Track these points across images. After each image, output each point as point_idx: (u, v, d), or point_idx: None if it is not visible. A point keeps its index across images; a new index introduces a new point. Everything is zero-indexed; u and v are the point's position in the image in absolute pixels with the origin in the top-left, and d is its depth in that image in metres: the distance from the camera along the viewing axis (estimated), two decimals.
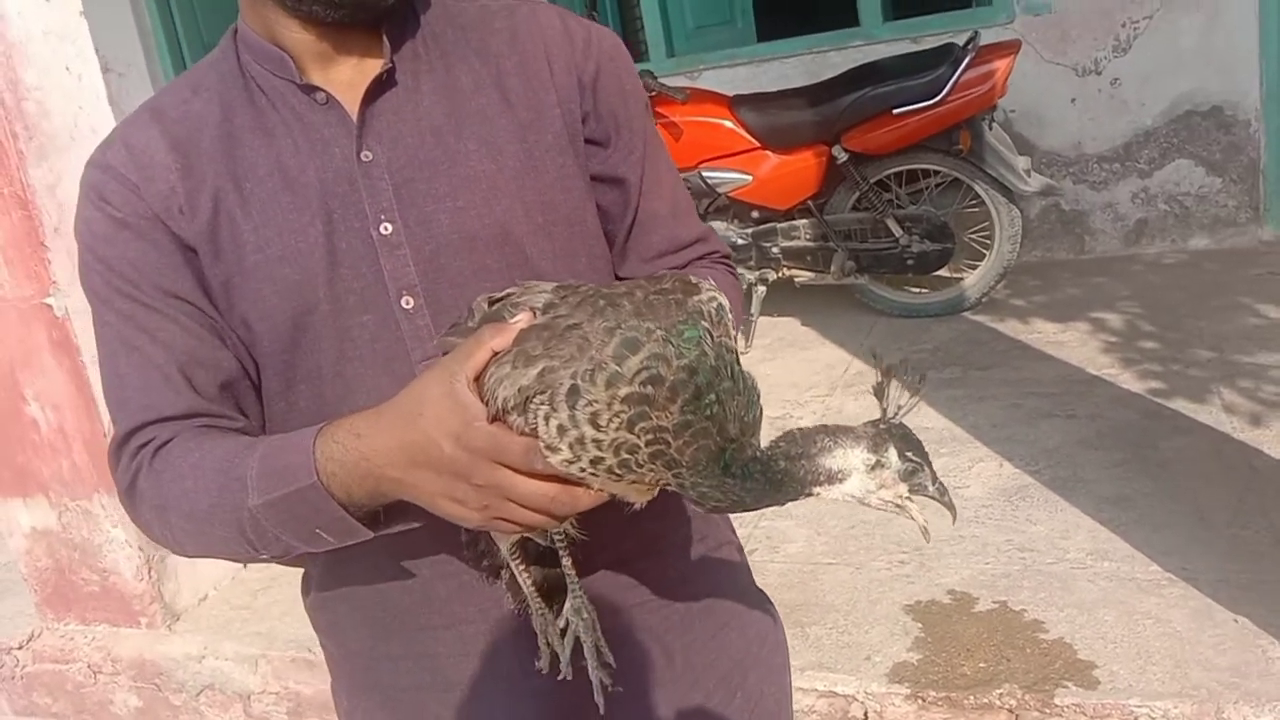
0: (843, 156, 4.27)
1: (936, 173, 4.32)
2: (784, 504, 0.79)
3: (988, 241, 4.35)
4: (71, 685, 2.95)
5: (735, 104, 4.44)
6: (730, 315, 0.81)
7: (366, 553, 0.99)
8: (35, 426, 2.75)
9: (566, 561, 0.97)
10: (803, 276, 4.54)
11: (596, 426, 0.72)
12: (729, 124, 4.37)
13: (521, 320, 0.80)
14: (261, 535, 0.90)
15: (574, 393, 0.73)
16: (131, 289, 0.98)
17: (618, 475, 0.75)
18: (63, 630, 2.99)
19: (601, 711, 0.96)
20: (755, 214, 4.48)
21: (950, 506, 0.81)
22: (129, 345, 0.98)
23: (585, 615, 0.97)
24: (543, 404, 0.74)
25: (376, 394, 0.97)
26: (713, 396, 0.74)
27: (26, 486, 2.84)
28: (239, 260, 0.98)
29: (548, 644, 0.99)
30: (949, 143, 4.17)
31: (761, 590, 1.25)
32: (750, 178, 4.36)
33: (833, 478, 0.78)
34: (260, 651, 2.70)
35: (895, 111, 4.10)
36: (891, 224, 4.31)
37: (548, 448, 0.75)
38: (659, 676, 1.12)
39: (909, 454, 0.77)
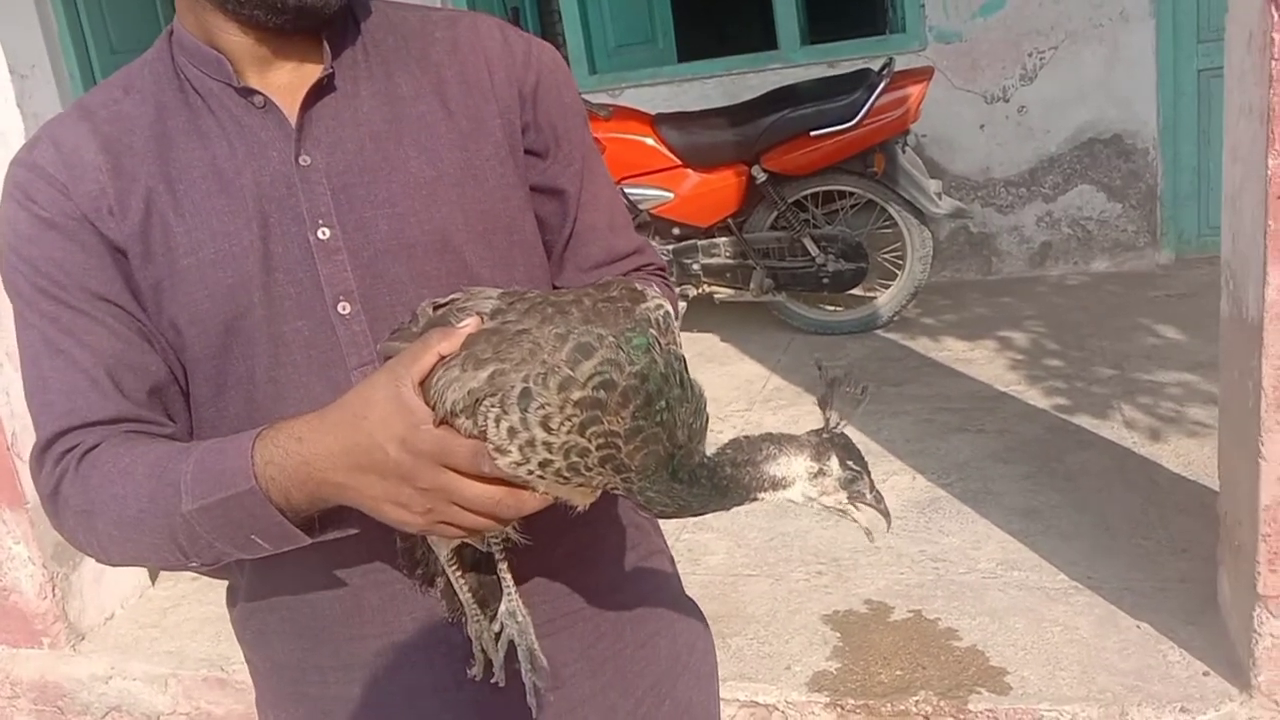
0: (762, 176, 4.35)
1: (851, 194, 4.43)
2: (729, 509, 0.81)
3: (900, 262, 4.47)
4: None
5: (658, 122, 4.49)
6: (676, 323, 0.83)
7: (296, 561, 0.98)
8: None
9: (503, 566, 0.97)
10: (722, 293, 4.60)
11: (548, 429, 0.73)
12: (651, 141, 4.42)
13: (469, 325, 0.80)
14: (194, 542, 0.89)
15: (526, 395, 0.73)
16: (57, 290, 0.95)
17: (565, 478, 0.76)
18: None
19: (535, 716, 0.96)
20: (676, 231, 4.53)
21: (885, 514, 0.83)
22: (54, 348, 0.96)
23: (519, 619, 0.97)
24: (493, 406, 0.74)
25: (310, 400, 0.96)
26: (663, 403, 0.75)
27: None
28: (170, 263, 0.96)
29: (482, 650, 0.99)
30: (864, 165, 4.28)
31: (690, 599, 1.26)
32: (672, 195, 4.42)
33: (776, 484, 0.80)
34: (170, 671, 2.63)
35: (813, 134, 4.20)
36: (808, 243, 4.40)
37: (496, 450, 0.75)
38: (589, 685, 1.12)
39: (849, 463, 0.80)
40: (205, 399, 1.01)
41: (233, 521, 0.86)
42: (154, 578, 3.08)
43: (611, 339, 0.75)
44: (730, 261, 4.53)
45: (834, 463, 0.80)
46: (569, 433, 0.73)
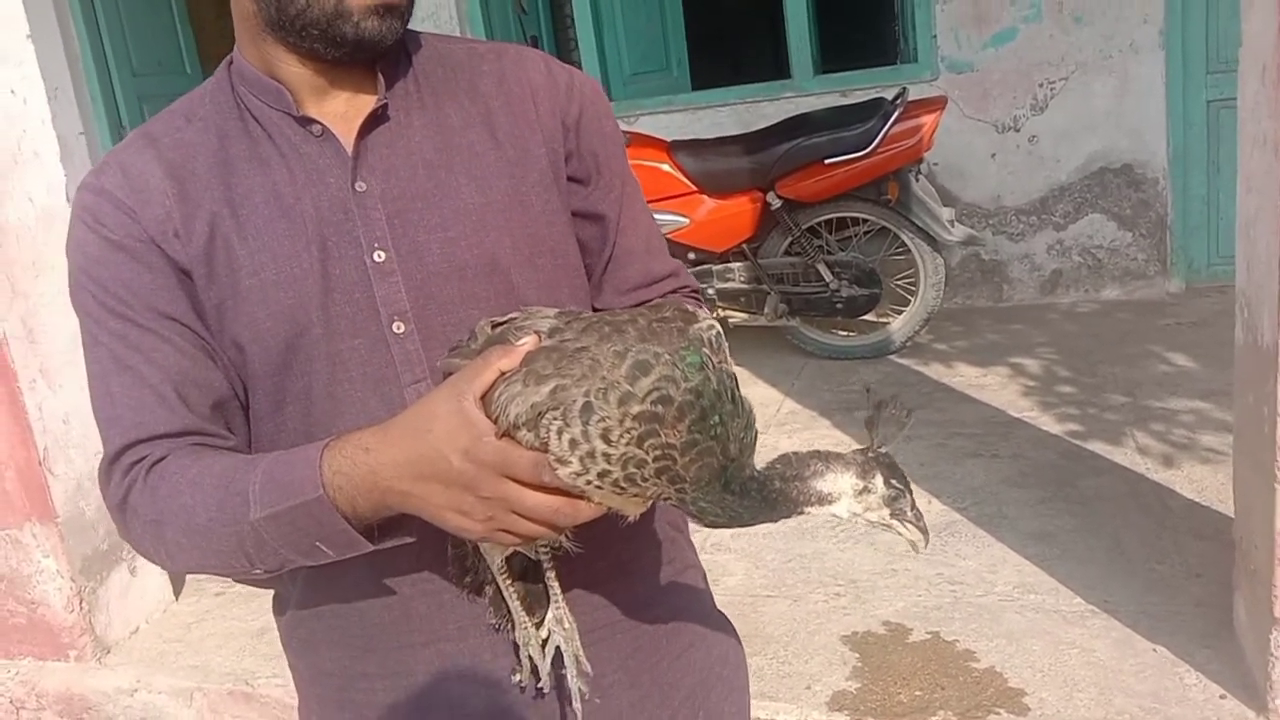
0: (776, 203, 4.40)
1: (865, 221, 4.48)
2: (776, 520, 0.84)
3: (913, 288, 4.51)
4: None
5: (674, 149, 4.55)
6: (726, 343, 0.87)
7: (347, 570, 1.01)
8: None
9: (551, 575, 1.01)
10: (736, 317, 4.65)
11: (608, 441, 0.78)
12: (667, 168, 4.48)
13: (528, 343, 0.85)
14: (261, 549, 0.93)
15: (588, 409, 0.78)
16: (125, 309, 1.00)
17: (622, 489, 0.80)
18: None
19: (580, 719, 1.00)
20: (691, 256, 4.58)
21: (924, 532, 0.87)
22: (121, 364, 1.00)
23: (566, 625, 1.01)
24: (555, 419, 0.78)
25: (365, 415, 1.01)
26: (717, 418, 0.79)
27: None
28: (233, 284, 1.00)
29: (528, 657, 1.03)
30: (878, 192, 4.33)
31: (722, 613, 1.29)
32: (687, 220, 4.47)
33: (823, 499, 0.83)
34: (195, 684, 2.66)
35: (827, 161, 4.25)
36: (822, 269, 4.44)
37: (557, 460, 0.79)
38: (628, 695, 1.15)
39: (893, 481, 0.84)
40: (264, 413, 1.05)
41: (300, 529, 0.90)
42: (178, 592, 3.11)
43: (667, 357, 0.79)
44: (744, 286, 4.58)
45: (878, 481, 0.83)
46: (628, 445, 0.78)
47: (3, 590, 2.80)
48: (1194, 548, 2.68)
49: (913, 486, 0.86)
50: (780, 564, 2.85)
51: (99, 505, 2.79)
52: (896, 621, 2.51)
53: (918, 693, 2.23)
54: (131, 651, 2.86)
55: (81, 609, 2.76)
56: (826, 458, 0.84)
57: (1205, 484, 3.02)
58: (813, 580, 2.75)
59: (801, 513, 0.84)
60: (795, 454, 0.85)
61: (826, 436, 3.61)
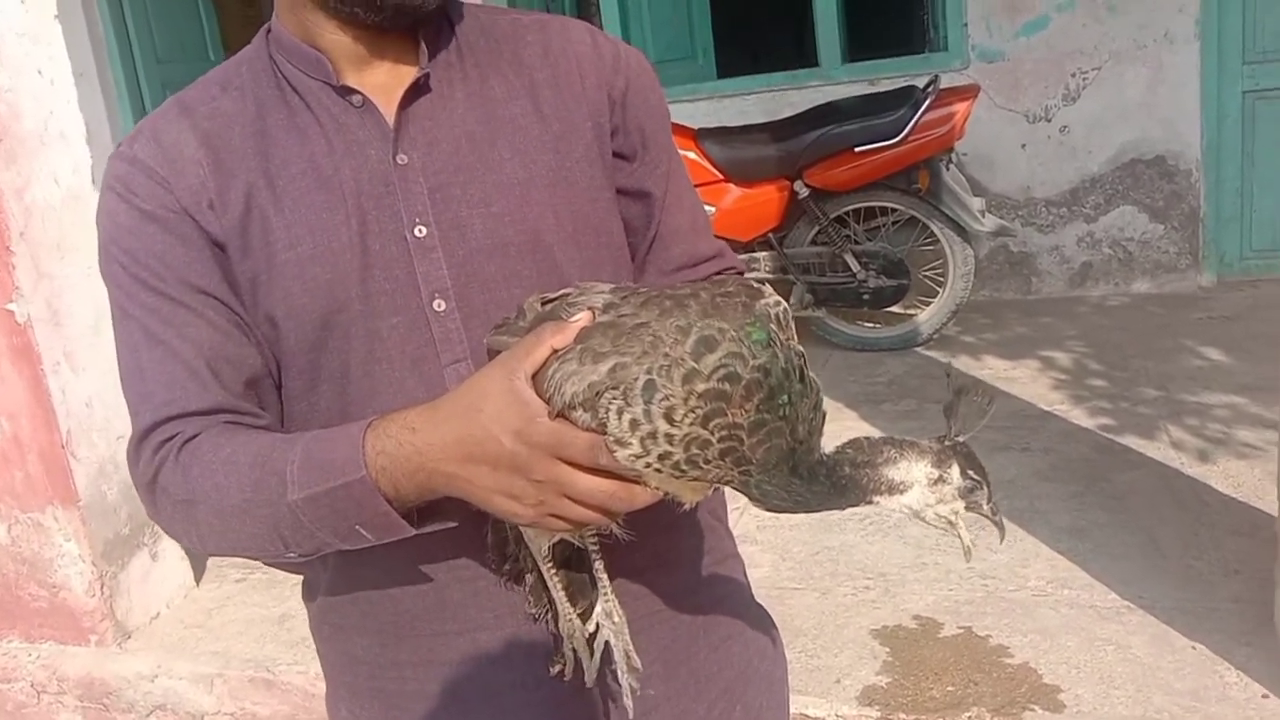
0: (804, 192, 4.35)
1: (894, 210, 4.42)
2: (844, 509, 0.80)
3: (941, 279, 4.46)
4: (12, 705, 2.86)
5: (700, 136, 4.50)
6: (792, 320, 0.83)
7: (381, 556, 0.98)
8: None
9: (599, 565, 0.97)
10: None
11: (671, 421, 0.74)
12: (693, 155, 4.43)
13: (582, 319, 0.81)
14: (297, 531, 0.89)
15: (650, 387, 0.74)
16: (157, 282, 0.97)
17: (682, 471, 0.76)
18: (4, 648, 2.90)
19: (630, 715, 0.96)
20: None
21: (1000, 526, 0.83)
22: (153, 338, 0.97)
23: (615, 619, 0.97)
24: (615, 399, 0.74)
25: (403, 395, 0.97)
26: (785, 397, 0.75)
27: None
28: (269, 257, 0.97)
29: (572, 650, 0.99)
30: (908, 182, 4.28)
31: (761, 605, 1.26)
32: (713, 209, 4.42)
33: (894, 488, 0.79)
34: (216, 671, 2.64)
35: (857, 150, 4.20)
36: (849, 259, 4.39)
37: (616, 442, 0.75)
38: (664, 688, 1.12)
39: (971, 472, 0.79)
40: (298, 392, 1.02)
41: (339, 511, 0.87)
42: (199, 578, 3.10)
43: (733, 333, 0.75)
44: (770, 276, 4.53)
45: (955, 471, 0.79)
46: (692, 424, 0.74)
47: (24, 574, 2.79)
48: (1231, 544, 2.62)
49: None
50: (808, 556, 2.81)
51: (121, 489, 2.77)
52: (927, 616, 2.47)
53: (950, 688, 2.19)
54: (152, 637, 2.85)
55: (103, 593, 2.75)
56: (901, 444, 0.80)
57: (1242, 479, 2.96)
58: (841, 573, 2.71)
59: (870, 502, 0.80)
60: (867, 439, 0.80)
61: (852, 429, 3.56)
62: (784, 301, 0.82)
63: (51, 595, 2.78)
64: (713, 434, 0.74)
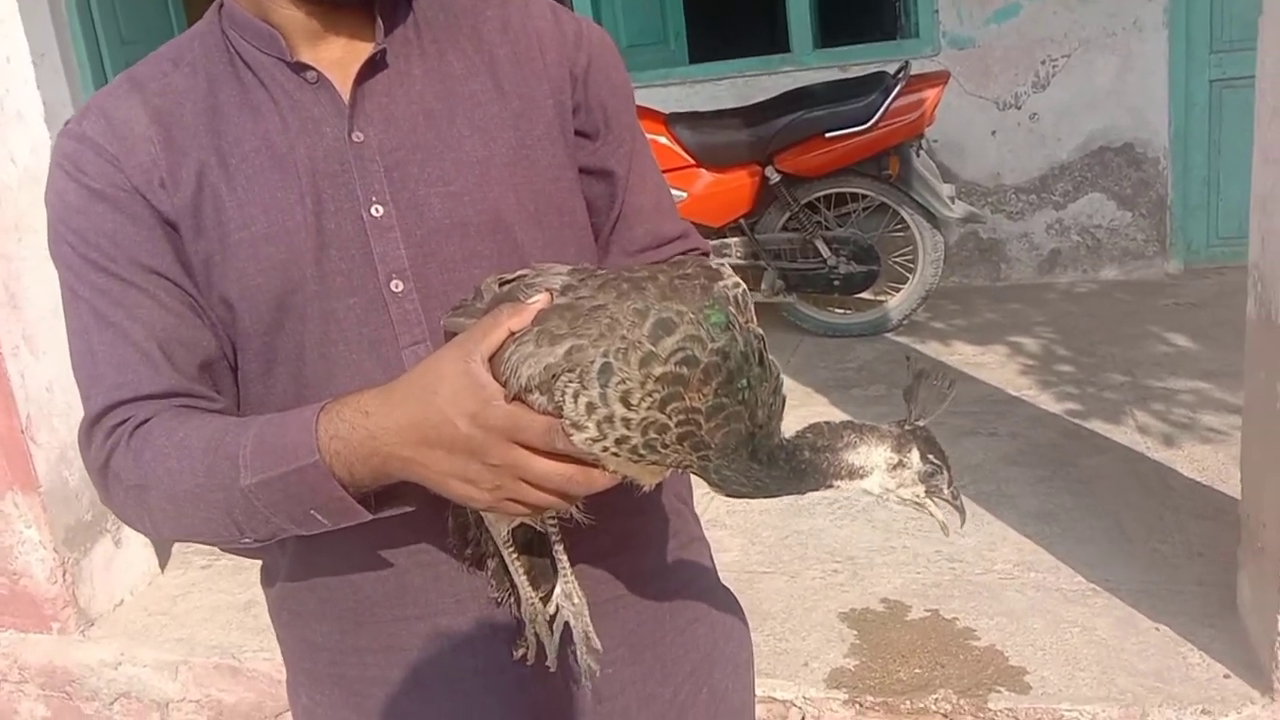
0: (775, 177, 4.35)
1: (864, 197, 4.42)
2: (804, 493, 0.80)
3: (911, 265, 4.47)
4: None
5: (671, 121, 4.48)
6: (752, 303, 0.82)
7: (340, 541, 0.97)
8: None
9: (559, 548, 0.96)
10: None
11: (627, 405, 0.72)
12: (664, 140, 4.41)
13: (540, 301, 0.80)
14: (251, 517, 0.88)
15: (606, 370, 0.72)
16: (107, 262, 0.94)
17: (640, 455, 0.75)
18: None
19: (590, 697, 0.95)
20: None
21: (960, 510, 0.82)
22: (103, 320, 0.95)
23: (575, 600, 0.97)
24: (571, 381, 0.73)
25: (360, 378, 0.96)
26: (745, 381, 0.74)
27: None
28: (222, 237, 0.95)
29: (534, 633, 0.99)
30: (878, 168, 4.28)
31: (727, 588, 1.25)
32: (685, 194, 4.41)
33: (854, 473, 0.79)
34: (181, 658, 2.62)
35: (827, 135, 4.20)
36: (820, 245, 4.39)
37: (573, 425, 0.74)
38: (630, 671, 1.11)
39: (930, 456, 0.79)
40: (254, 375, 1.00)
41: (293, 496, 0.85)
42: (164, 565, 3.06)
43: (691, 315, 0.74)
44: (741, 262, 4.53)
45: (915, 455, 0.79)
46: (649, 408, 0.73)
47: None
48: (1195, 527, 2.65)
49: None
50: (777, 540, 2.81)
51: (83, 475, 2.73)
52: (895, 599, 2.48)
53: (917, 670, 2.20)
54: (116, 624, 2.81)
55: (65, 580, 2.71)
56: (860, 429, 0.79)
57: (1206, 464, 2.99)
58: (810, 557, 2.72)
59: (830, 486, 0.79)
60: (827, 423, 0.80)
61: (822, 414, 3.55)
62: (743, 284, 0.81)
63: (12, 583, 2.74)
64: (670, 418, 0.73)
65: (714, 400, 0.73)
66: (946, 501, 0.81)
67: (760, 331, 0.78)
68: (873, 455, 0.79)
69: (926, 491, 0.80)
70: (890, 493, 0.80)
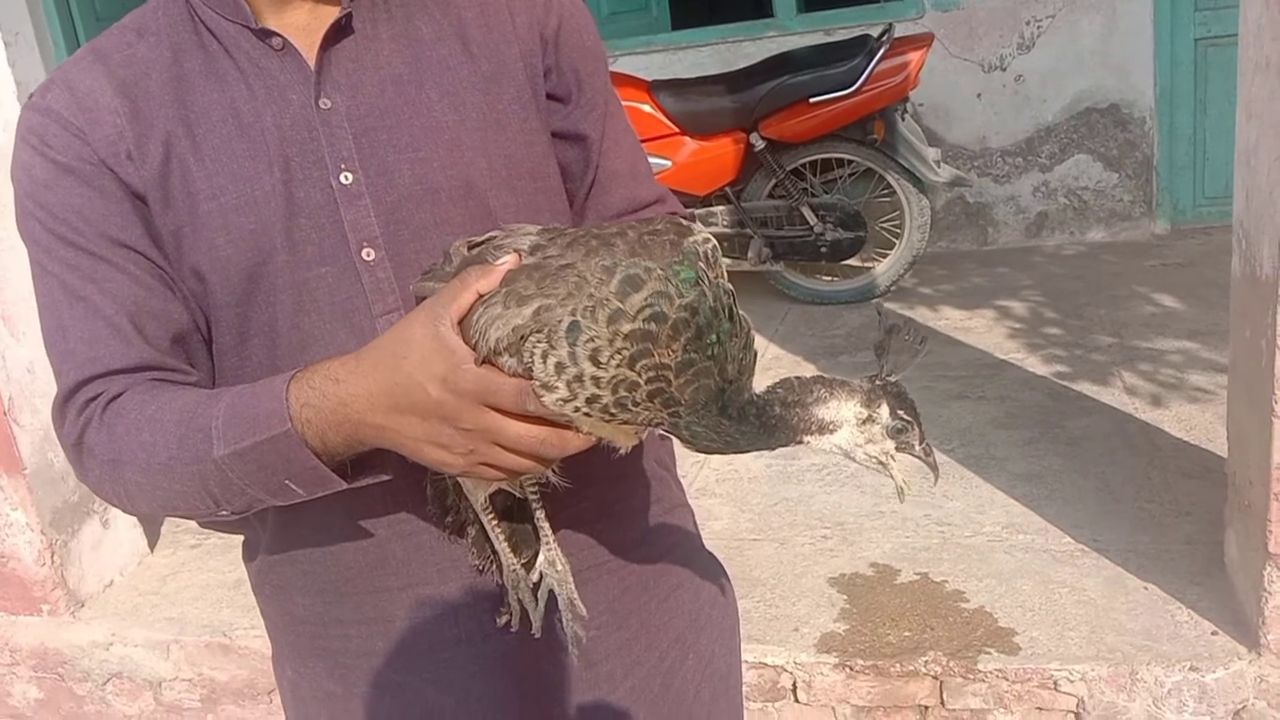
0: (760, 144, 4.32)
1: (850, 162, 4.40)
2: (774, 448, 0.79)
3: (898, 231, 4.46)
4: None
5: (654, 89, 4.45)
6: (723, 258, 0.81)
7: (320, 513, 0.97)
8: None
9: (540, 515, 0.96)
10: None
11: (597, 363, 0.72)
12: (648, 108, 4.39)
13: (508, 262, 0.79)
14: (226, 488, 0.87)
15: (574, 329, 0.72)
16: (76, 236, 0.93)
17: (612, 414, 0.74)
18: None
19: (575, 662, 0.95)
20: None
21: (933, 467, 0.82)
22: (74, 295, 0.94)
23: (559, 567, 0.96)
24: (540, 342, 0.73)
25: (334, 347, 0.95)
26: (714, 336, 0.74)
27: None
28: (191, 208, 0.94)
29: (518, 600, 0.98)
30: (863, 132, 4.26)
31: (712, 554, 1.25)
32: (669, 163, 4.39)
33: (824, 428, 0.78)
34: (172, 637, 2.62)
35: (811, 100, 4.18)
36: (806, 212, 4.38)
37: (543, 386, 0.74)
38: (615, 637, 1.11)
39: (900, 412, 0.78)
40: (228, 347, 0.99)
41: (267, 466, 0.85)
42: (153, 545, 3.06)
43: (660, 271, 0.73)
44: (728, 230, 4.51)
45: (884, 410, 0.78)
46: (618, 366, 0.72)
47: None
48: (1183, 486, 2.66)
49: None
50: (766, 507, 2.82)
51: None
52: (884, 563, 2.49)
53: (907, 633, 2.21)
54: (106, 605, 2.81)
55: (53, 562, 2.70)
56: (830, 384, 0.79)
57: (1194, 423, 3.00)
58: (799, 523, 2.72)
59: (800, 441, 0.79)
60: (798, 378, 0.79)
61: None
62: (712, 239, 0.80)
63: (0, 565, 2.73)
64: (640, 375, 0.72)
65: (683, 356, 0.73)
66: (919, 458, 0.80)
67: (730, 287, 0.78)
68: (842, 410, 0.78)
69: (897, 447, 0.79)
70: (859, 448, 0.79)
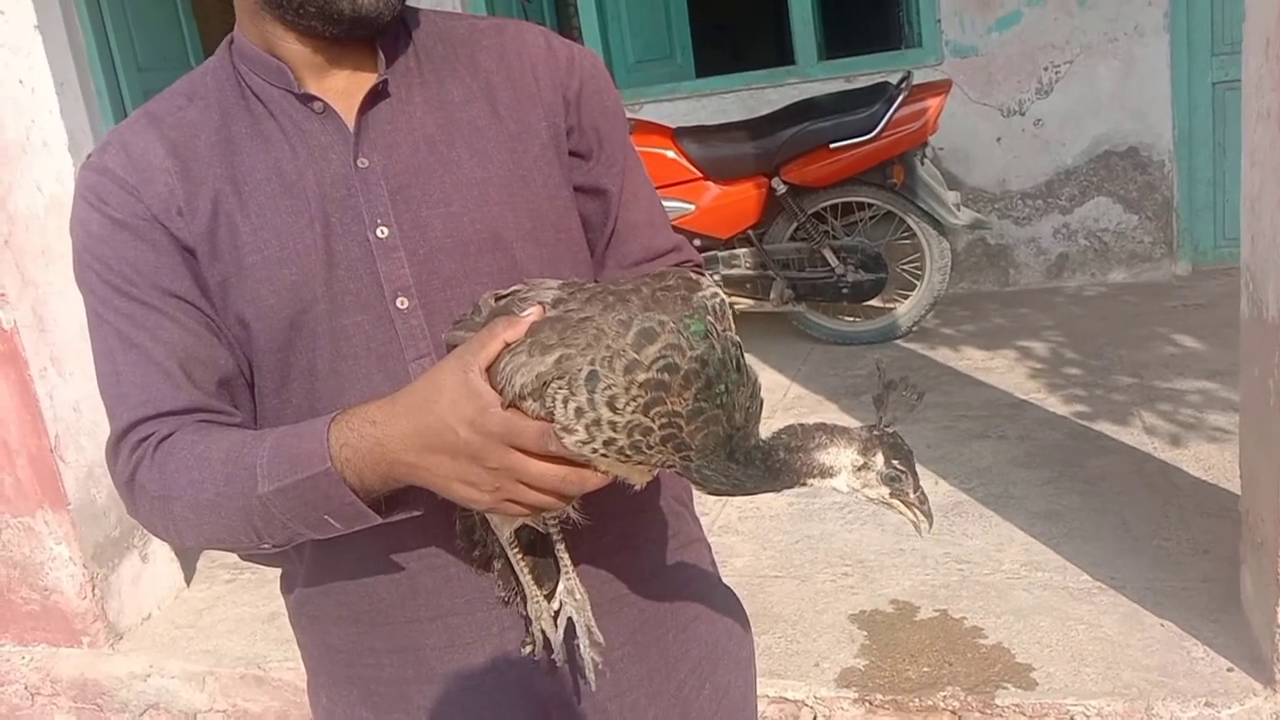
0: (781, 188, 4.40)
1: (871, 205, 4.47)
2: (779, 490, 0.85)
3: (919, 272, 4.51)
4: (6, 708, 2.89)
5: (678, 135, 4.54)
6: (730, 311, 0.87)
7: (354, 547, 1.02)
8: None
9: (560, 547, 1.02)
10: (742, 304, 4.65)
11: (614, 409, 0.78)
12: (672, 154, 4.47)
13: (533, 314, 0.85)
14: (269, 523, 0.93)
15: (593, 378, 0.78)
16: (130, 287, 1.00)
17: (627, 456, 0.81)
18: None
19: (594, 689, 1.00)
20: (697, 242, 4.57)
21: (927, 515, 0.87)
22: (128, 342, 1.00)
23: (578, 596, 1.02)
24: (561, 388, 0.79)
25: (370, 390, 1.01)
26: (723, 386, 0.80)
27: None
28: (237, 261, 1.01)
29: (541, 630, 1.04)
30: (883, 177, 4.33)
31: (728, 587, 1.29)
32: (693, 207, 4.46)
33: (825, 472, 0.84)
34: (208, 669, 2.68)
35: (832, 146, 4.25)
36: (828, 254, 4.44)
37: (563, 429, 0.80)
38: (637, 669, 1.15)
39: (895, 462, 0.84)
40: (270, 390, 1.05)
41: (308, 502, 0.91)
42: (190, 579, 3.13)
43: (672, 325, 0.80)
44: (750, 272, 4.58)
45: (879, 459, 0.84)
46: (634, 412, 0.78)
47: (16, 577, 2.82)
48: (1201, 525, 2.68)
49: (919, 469, 0.85)
50: (788, 545, 2.86)
51: (110, 492, 2.81)
52: (904, 600, 2.52)
53: (926, 669, 2.24)
54: (144, 637, 2.88)
55: (94, 595, 2.78)
56: (831, 431, 0.84)
57: (1212, 462, 3.02)
58: (820, 560, 2.76)
59: (803, 484, 0.84)
60: (801, 425, 0.85)
61: (834, 421, 3.58)
62: (721, 293, 0.86)
63: (43, 598, 2.81)
64: (654, 421, 0.79)
65: (694, 404, 0.79)
66: (914, 505, 0.86)
67: (738, 339, 0.84)
68: (840, 456, 0.84)
69: (891, 494, 0.85)
70: (856, 491, 0.85)
